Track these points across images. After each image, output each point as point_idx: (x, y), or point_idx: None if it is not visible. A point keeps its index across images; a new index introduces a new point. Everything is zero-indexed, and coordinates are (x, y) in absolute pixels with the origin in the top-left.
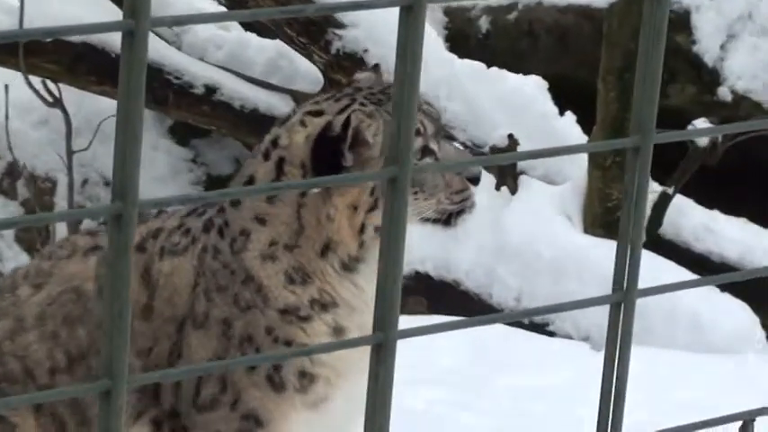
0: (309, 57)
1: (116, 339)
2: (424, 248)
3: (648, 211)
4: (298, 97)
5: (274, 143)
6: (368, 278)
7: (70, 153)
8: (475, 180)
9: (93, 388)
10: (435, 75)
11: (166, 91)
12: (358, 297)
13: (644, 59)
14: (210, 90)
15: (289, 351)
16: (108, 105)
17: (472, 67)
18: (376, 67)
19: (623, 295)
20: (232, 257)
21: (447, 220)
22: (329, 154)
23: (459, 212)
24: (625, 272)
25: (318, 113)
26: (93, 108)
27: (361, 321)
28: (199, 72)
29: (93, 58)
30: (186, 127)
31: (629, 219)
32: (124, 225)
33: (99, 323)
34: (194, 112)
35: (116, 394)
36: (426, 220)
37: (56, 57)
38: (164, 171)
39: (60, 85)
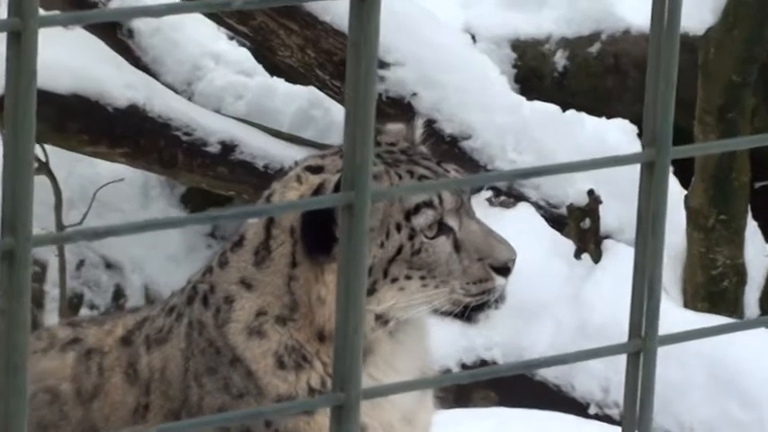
0: (342, 102)
1: (12, 403)
2: (491, 332)
3: (762, 281)
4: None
5: (268, 200)
6: (383, 370)
7: (61, 229)
8: (503, 269)
9: None
10: (500, 121)
11: (175, 150)
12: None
13: (655, 58)
14: (228, 148)
15: (239, 413)
16: (104, 170)
17: (545, 111)
18: (410, 120)
19: (641, 343)
20: (216, 332)
21: (465, 314)
22: (321, 220)
23: (479, 307)
24: (643, 315)
25: (318, 170)
26: (88, 174)
27: (385, 418)
28: (214, 126)
29: (86, 113)
30: (202, 194)
31: (645, 249)
32: (17, 264)
33: (78, 430)
34: (209, 176)
35: None
36: (438, 311)
37: (41, 112)
38: (177, 248)
39: (47, 146)
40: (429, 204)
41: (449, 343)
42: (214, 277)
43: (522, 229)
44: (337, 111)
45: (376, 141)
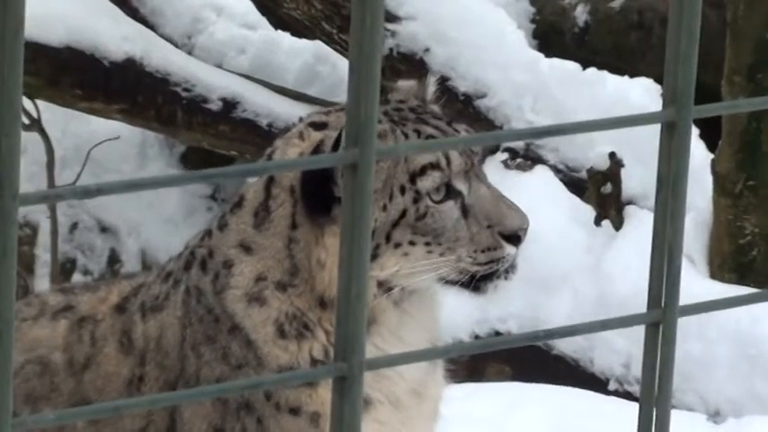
0: None
1: None
2: (505, 302)
3: None
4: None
5: (269, 158)
6: (389, 340)
7: (53, 188)
8: (513, 238)
9: None
10: (517, 80)
11: (173, 107)
12: None
13: (677, 11)
14: (230, 105)
15: (237, 384)
16: (100, 127)
17: (565, 70)
18: (422, 77)
19: (661, 314)
20: (215, 299)
21: (471, 283)
22: (321, 179)
23: (488, 276)
24: (663, 284)
25: (321, 126)
26: (82, 131)
27: (392, 390)
28: (215, 82)
29: (81, 68)
30: (202, 153)
31: (665, 214)
32: (3, 223)
33: (69, 402)
34: (210, 134)
35: None
36: (444, 280)
37: (33, 66)
38: (176, 211)
39: (39, 102)
40: (436, 166)
41: (462, 314)
42: (213, 241)
43: (539, 194)
44: (344, 66)
45: (385, 98)
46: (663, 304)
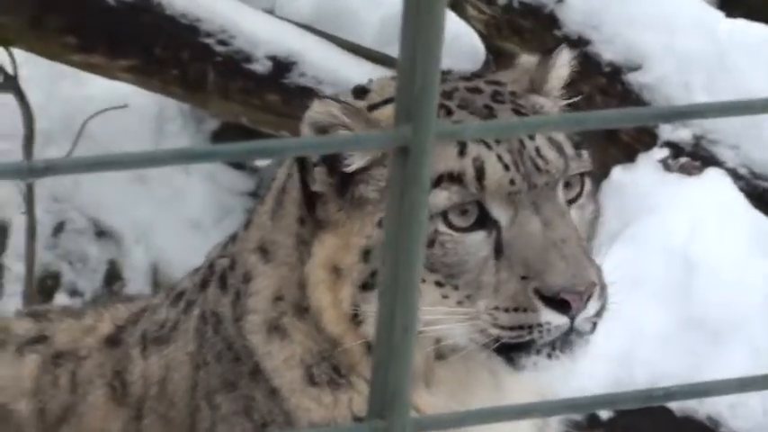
0: (459, 10)
1: None
2: (659, 358)
3: None
4: None
5: None
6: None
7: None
8: (556, 303)
9: None
10: (686, 47)
11: (204, 67)
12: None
13: None
14: (282, 66)
15: None
16: (100, 90)
17: (753, 35)
18: (550, 43)
19: None
20: (234, 328)
21: (500, 348)
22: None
23: (519, 347)
24: None
25: (362, 93)
26: (75, 95)
27: None
28: (263, 34)
29: (75, 6)
30: (242, 133)
31: None
32: None
33: None
34: (253, 105)
35: None
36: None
37: (8, 4)
38: (203, 212)
39: (16, 52)
40: (456, 178)
41: (595, 375)
42: (237, 246)
43: (709, 207)
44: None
45: (477, 73)
46: None
